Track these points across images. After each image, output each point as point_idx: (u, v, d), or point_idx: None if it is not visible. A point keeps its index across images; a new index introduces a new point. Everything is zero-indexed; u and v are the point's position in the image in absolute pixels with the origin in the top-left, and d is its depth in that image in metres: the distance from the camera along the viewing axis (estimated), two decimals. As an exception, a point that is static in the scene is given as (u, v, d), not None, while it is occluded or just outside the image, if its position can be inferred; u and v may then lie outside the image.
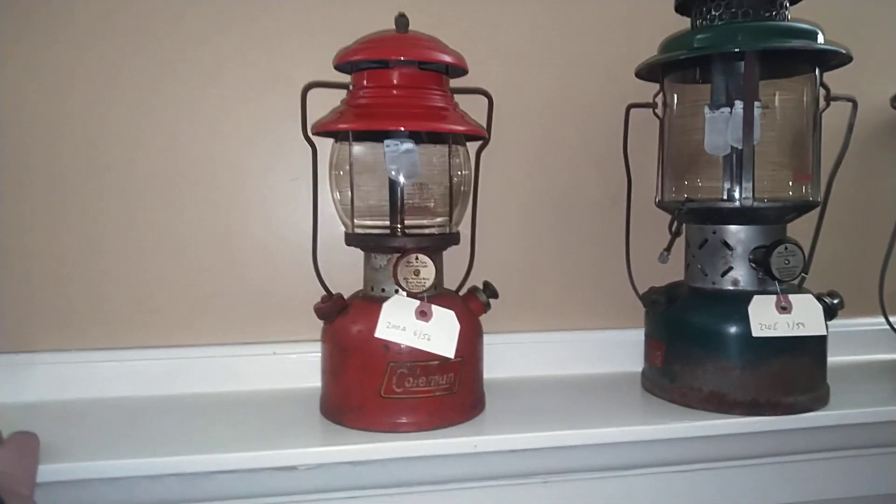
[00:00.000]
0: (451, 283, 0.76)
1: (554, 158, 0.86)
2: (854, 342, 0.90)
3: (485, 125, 0.75)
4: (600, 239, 0.88)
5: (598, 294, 0.89)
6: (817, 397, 0.73)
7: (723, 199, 0.75)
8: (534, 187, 0.86)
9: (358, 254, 0.80)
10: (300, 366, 0.80)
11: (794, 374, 0.71)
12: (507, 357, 0.84)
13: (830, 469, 0.77)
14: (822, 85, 0.75)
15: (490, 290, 0.74)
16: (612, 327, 0.88)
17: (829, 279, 0.82)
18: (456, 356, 0.66)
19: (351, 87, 0.70)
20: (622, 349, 0.86)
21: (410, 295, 0.68)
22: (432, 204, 0.72)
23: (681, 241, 0.80)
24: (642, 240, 0.86)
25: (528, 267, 0.87)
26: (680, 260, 0.81)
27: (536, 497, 0.71)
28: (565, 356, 0.86)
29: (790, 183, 0.76)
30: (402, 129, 0.68)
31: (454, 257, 0.75)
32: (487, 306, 0.74)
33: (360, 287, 0.75)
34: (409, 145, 0.69)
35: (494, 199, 0.84)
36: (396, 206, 0.72)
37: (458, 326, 0.67)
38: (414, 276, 0.67)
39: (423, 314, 0.67)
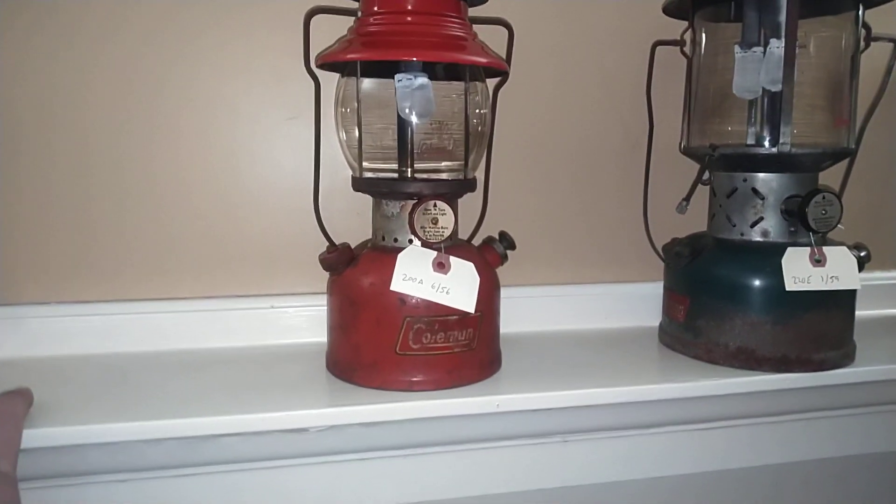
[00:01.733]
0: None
1: (572, 99, 0.81)
2: (873, 296, 0.88)
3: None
4: (618, 187, 0.83)
5: (612, 245, 0.85)
6: (846, 353, 0.70)
7: (755, 145, 0.71)
8: (549, 130, 0.81)
9: (361, 201, 0.74)
10: (299, 320, 0.75)
11: (825, 329, 0.68)
12: (519, 311, 0.79)
13: (855, 425, 0.75)
14: (864, 24, 0.70)
15: (507, 241, 0.69)
16: (625, 280, 0.84)
17: (850, 230, 0.79)
18: (475, 310, 0.62)
19: (360, 14, 0.63)
20: (636, 303, 0.83)
21: (425, 245, 0.63)
22: (451, 146, 0.66)
23: (701, 191, 0.75)
24: (661, 189, 0.81)
25: (541, 216, 0.82)
26: (696, 212, 0.76)
27: (556, 456, 0.68)
28: (577, 310, 0.82)
29: (827, 128, 0.72)
30: (415, 59, 0.61)
31: (461, 205, 0.70)
32: (504, 258, 0.69)
33: (364, 238, 0.70)
34: (423, 80, 0.62)
35: (508, 143, 0.78)
36: (407, 148, 0.66)
37: (478, 279, 0.62)
38: (432, 225, 0.62)
39: (440, 266, 0.62)
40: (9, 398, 0.53)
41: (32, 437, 0.53)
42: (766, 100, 0.71)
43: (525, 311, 0.80)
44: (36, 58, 0.68)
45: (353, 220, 0.76)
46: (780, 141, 0.67)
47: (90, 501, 0.58)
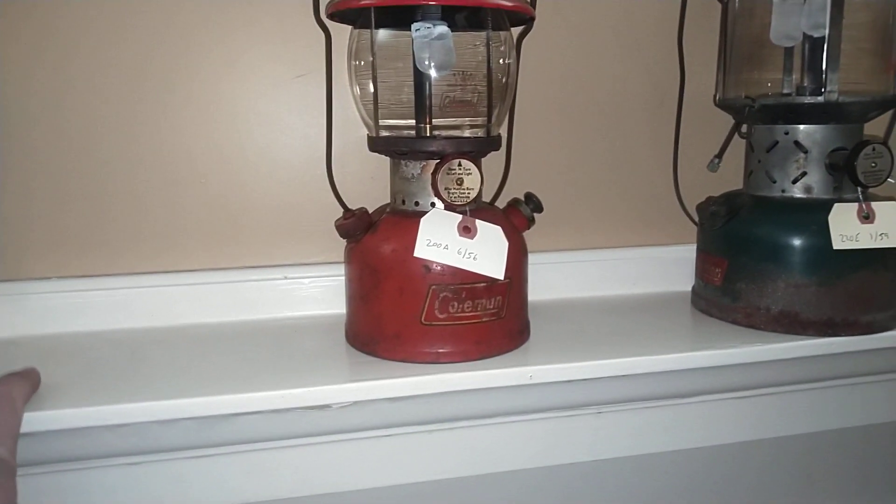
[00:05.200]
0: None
1: (597, 50, 0.76)
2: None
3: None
4: (646, 144, 0.79)
5: (639, 207, 0.80)
6: (895, 315, 0.66)
7: (798, 95, 0.66)
8: (573, 84, 0.76)
9: (375, 164, 0.71)
10: (314, 291, 0.71)
11: (873, 290, 0.64)
12: (544, 278, 0.75)
13: (902, 390, 0.72)
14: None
15: (534, 203, 0.65)
16: (653, 244, 0.80)
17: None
18: (504, 277, 0.58)
19: (373, -41, 0.58)
20: (666, 267, 0.79)
21: (449, 208, 0.59)
22: (475, 99, 0.61)
23: (732, 149, 0.71)
24: (692, 146, 0.77)
25: (564, 177, 0.78)
26: (727, 171, 0.72)
27: (589, 429, 0.65)
28: (604, 276, 0.79)
29: (875, 75, 0.67)
30: (433, 2, 0.56)
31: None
32: (531, 221, 0.65)
33: (379, 203, 0.66)
34: (442, 29, 0.58)
35: (530, 98, 0.74)
36: (425, 104, 0.61)
37: (506, 243, 0.59)
38: (456, 186, 0.57)
39: (466, 230, 0.58)
40: (7, 380, 0.49)
41: (38, 419, 0.49)
42: (807, 46, 0.66)
43: (550, 278, 0.77)
44: (46, 31, 0.64)
45: (367, 185, 0.72)
46: (828, 89, 0.62)
47: (102, 486, 0.55)
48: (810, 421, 0.71)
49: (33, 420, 0.49)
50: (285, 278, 0.71)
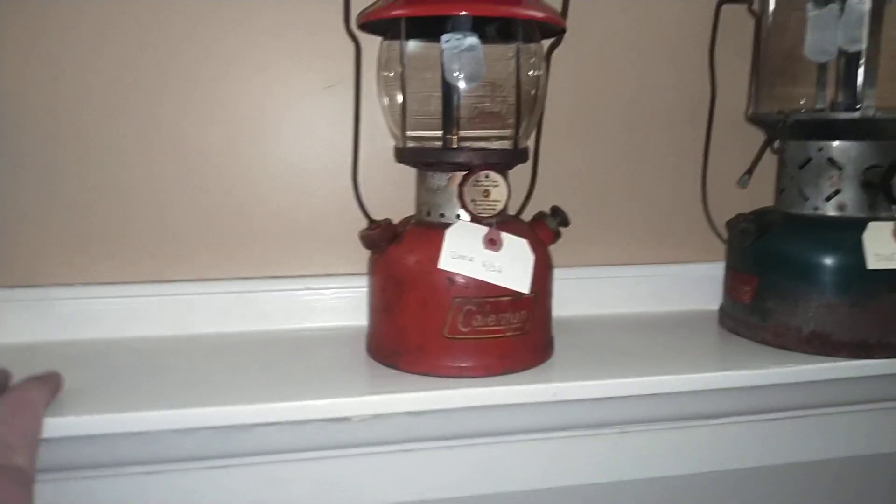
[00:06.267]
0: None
1: (626, 62, 0.75)
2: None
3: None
4: (674, 159, 0.77)
5: (666, 223, 0.79)
6: (931, 338, 0.64)
7: (833, 110, 0.65)
8: (601, 96, 0.75)
9: (400, 175, 0.70)
10: (337, 303, 0.71)
11: (909, 312, 0.63)
12: (568, 293, 0.74)
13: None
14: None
15: (560, 217, 0.64)
16: (680, 261, 0.79)
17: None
18: (529, 291, 0.57)
19: (404, -31, 0.58)
20: (692, 285, 0.77)
21: (475, 220, 0.58)
22: (505, 111, 0.61)
23: (762, 165, 0.70)
24: (721, 162, 0.75)
25: (590, 190, 0.77)
26: (756, 188, 0.71)
27: (613, 448, 0.63)
28: (629, 292, 0.77)
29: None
30: (465, 13, 0.55)
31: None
32: (557, 235, 0.64)
33: (403, 215, 0.65)
34: (472, 40, 0.57)
35: (556, 110, 0.73)
36: (453, 115, 0.61)
37: (532, 257, 0.58)
38: (483, 198, 0.57)
39: (492, 242, 0.57)
40: (30, 385, 0.49)
41: (57, 425, 0.49)
42: (842, 60, 0.65)
43: (574, 294, 0.75)
44: (68, 35, 0.64)
45: (391, 196, 0.71)
46: (863, 104, 0.61)
47: (118, 495, 0.55)
48: (841, 446, 0.68)
49: (51, 426, 0.49)
50: (307, 289, 0.70)
